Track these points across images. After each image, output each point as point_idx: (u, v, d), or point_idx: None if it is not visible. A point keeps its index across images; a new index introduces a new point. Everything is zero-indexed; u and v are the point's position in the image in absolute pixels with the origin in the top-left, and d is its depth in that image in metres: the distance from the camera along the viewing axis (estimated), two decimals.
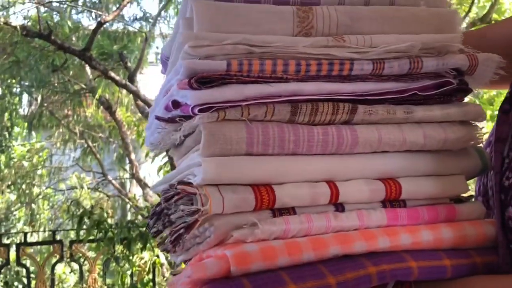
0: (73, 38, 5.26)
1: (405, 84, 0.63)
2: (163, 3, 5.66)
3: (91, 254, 3.52)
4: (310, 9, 0.61)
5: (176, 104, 0.57)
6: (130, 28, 5.50)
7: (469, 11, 4.25)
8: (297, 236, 0.58)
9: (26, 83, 5.40)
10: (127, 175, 6.26)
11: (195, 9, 0.57)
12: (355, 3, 0.64)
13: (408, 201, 0.64)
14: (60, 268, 4.60)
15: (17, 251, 2.96)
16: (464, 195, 0.69)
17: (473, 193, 0.72)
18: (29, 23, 4.66)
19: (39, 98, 5.86)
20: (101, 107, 5.39)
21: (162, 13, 5.95)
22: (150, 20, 5.78)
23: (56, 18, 5.14)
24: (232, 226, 0.56)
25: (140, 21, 6.00)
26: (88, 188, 6.01)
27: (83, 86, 5.41)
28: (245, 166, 0.57)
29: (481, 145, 0.69)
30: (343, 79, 0.61)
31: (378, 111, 0.62)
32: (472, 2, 4.22)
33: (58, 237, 3.52)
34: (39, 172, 6.18)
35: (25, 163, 6.07)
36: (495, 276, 0.62)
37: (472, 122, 0.67)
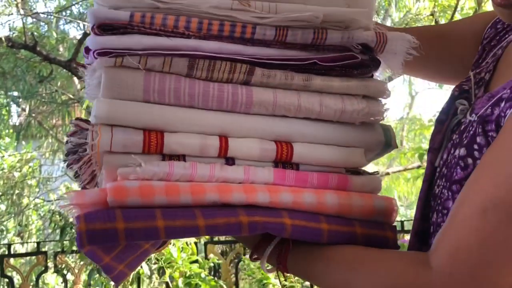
0: (61, 49, 5.20)
1: (308, 54, 0.65)
2: None
3: (79, 264, 3.43)
4: None
5: (87, 50, 0.62)
6: None
7: (451, 18, 4.12)
8: (181, 181, 0.61)
9: (14, 94, 5.36)
10: None
11: None
12: None
13: (301, 166, 0.66)
14: (52, 280, 4.52)
15: (1, 262, 2.89)
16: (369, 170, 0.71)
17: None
18: (15, 34, 4.58)
19: (27, 109, 5.78)
20: None
21: None
22: None
23: (44, 29, 5.11)
24: (121, 164, 0.60)
25: None
26: None
27: (71, 96, 5.33)
28: (138, 111, 0.60)
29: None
30: (245, 41, 0.63)
31: (276, 76, 0.64)
32: (455, 10, 4.07)
33: (45, 248, 3.54)
34: (29, 182, 6.07)
35: (16, 174, 5.92)
36: (369, 248, 0.63)
37: (375, 97, 0.68)
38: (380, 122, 0.70)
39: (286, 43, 0.64)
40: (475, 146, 0.62)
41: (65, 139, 0.65)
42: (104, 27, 0.59)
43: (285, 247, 0.64)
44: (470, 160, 0.62)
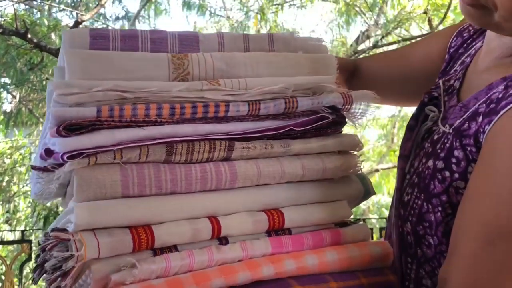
0: (53, 36, 4.86)
1: (282, 122, 0.56)
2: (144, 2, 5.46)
3: None
4: (186, 55, 0.55)
5: (49, 152, 0.51)
6: (110, 27, 5.27)
7: (444, 17, 4.25)
8: (180, 273, 0.50)
9: (5, 81, 5.01)
10: None
11: (66, 59, 0.51)
12: (234, 50, 0.60)
13: (293, 229, 0.58)
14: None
15: None
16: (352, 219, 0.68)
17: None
18: (6, 21, 4.28)
19: (18, 96, 5.41)
20: None
21: (142, 12, 5.73)
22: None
23: (36, 16, 4.86)
24: (111, 269, 0.48)
25: (122, 20, 5.66)
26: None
27: None
28: (120, 209, 0.49)
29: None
30: (220, 120, 0.54)
31: (256, 146, 0.56)
32: (448, 8, 4.23)
33: (32, 237, 3.30)
34: (19, 169, 5.72)
35: (7, 160, 5.59)
36: None
37: (350, 151, 0.66)
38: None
39: (260, 115, 0.60)
40: (453, 160, 0.59)
41: (37, 254, 0.55)
42: (70, 128, 0.52)
43: None
44: (447, 173, 0.59)
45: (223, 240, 0.55)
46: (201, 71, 0.56)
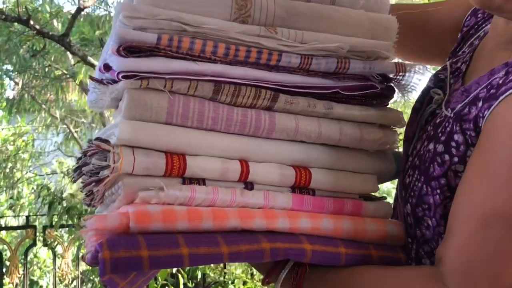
0: (55, 23, 4.92)
1: (330, 82, 0.62)
2: None
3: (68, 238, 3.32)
4: None
5: (107, 67, 0.57)
6: (112, 14, 5.17)
7: None
8: (202, 206, 0.58)
9: (7, 67, 5.13)
10: None
11: None
12: None
13: (317, 191, 0.64)
14: (44, 253, 4.45)
15: None
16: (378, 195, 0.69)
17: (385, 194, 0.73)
18: (8, 8, 4.30)
19: (20, 83, 5.53)
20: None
21: None
22: None
23: (38, 2, 4.78)
24: (141, 187, 0.56)
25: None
26: (63, 173, 5.55)
27: (64, 71, 5.10)
28: (161, 133, 0.57)
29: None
30: (270, 68, 0.60)
31: (299, 103, 0.61)
32: None
33: (36, 223, 3.41)
34: (22, 156, 5.88)
35: (10, 147, 5.72)
36: (383, 266, 0.62)
37: (391, 126, 0.66)
38: None
39: (310, 70, 0.61)
40: (453, 144, 0.61)
41: (79, 156, 0.60)
42: (129, 49, 0.55)
43: (301, 271, 0.62)
44: (447, 157, 0.62)
45: (249, 185, 0.59)
46: (262, 16, 0.58)
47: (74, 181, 0.60)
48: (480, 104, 0.59)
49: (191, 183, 0.58)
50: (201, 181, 0.59)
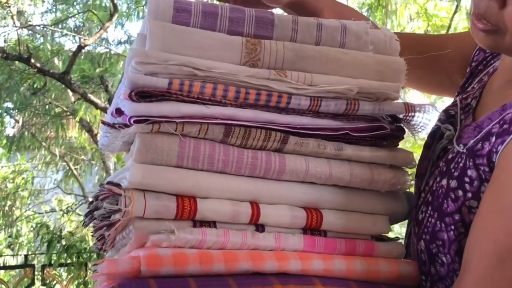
0: (56, 61, 5.03)
1: (340, 123, 0.63)
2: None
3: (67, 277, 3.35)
4: (259, 42, 0.61)
5: (119, 111, 0.58)
6: (113, 51, 5.19)
7: None
8: (213, 248, 0.58)
9: (8, 105, 5.20)
10: None
11: (149, 29, 0.58)
12: (306, 42, 0.64)
13: (329, 232, 0.63)
14: None
15: None
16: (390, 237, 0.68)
17: (399, 235, 0.72)
18: (9, 46, 4.45)
19: (21, 120, 5.64)
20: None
21: None
22: None
23: (39, 41, 4.96)
24: (152, 230, 0.56)
25: (124, 44, 5.63)
26: (62, 211, 5.54)
27: (65, 108, 5.18)
28: (172, 177, 0.57)
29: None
30: (280, 110, 0.61)
31: (309, 144, 0.62)
32: (448, 30, 4.15)
33: (35, 261, 3.38)
34: (21, 194, 5.90)
35: (9, 185, 5.78)
36: None
37: (402, 167, 0.66)
38: None
39: (319, 112, 0.62)
40: (466, 179, 0.61)
41: (91, 201, 0.60)
42: (141, 94, 0.56)
43: None
44: (460, 192, 0.62)
45: (260, 228, 0.59)
46: (271, 59, 0.60)
47: (86, 226, 0.60)
48: (493, 139, 0.60)
49: (201, 226, 0.59)
50: (212, 223, 0.59)
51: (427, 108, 0.65)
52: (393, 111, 0.64)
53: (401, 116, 0.65)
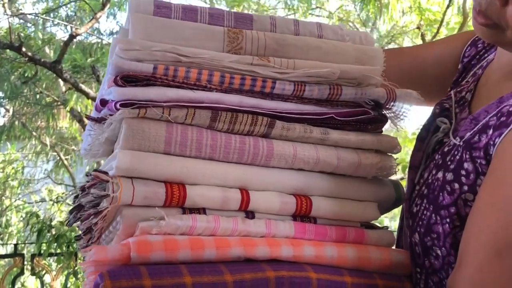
0: (47, 50, 4.97)
1: (324, 108, 0.64)
2: None
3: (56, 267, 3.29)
4: (240, 31, 0.62)
5: (104, 102, 0.58)
6: (105, 42, 5.11)
7: (437, 32, 4.19)
8: (203, 235, 0.57)
9: None
10: None
11: (131, 20, 0.59)
12: (285, 32, 0.66)
13: (318, 219, 0.63)
14: (31, 282, 4.32)
15: None
16: (380, 225, 0.68)
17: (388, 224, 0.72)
18: (0, 34, 4.37)
19: (11, 110, 5.50)
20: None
21: None
22: None
23: (31, 30, 4.86)
24: (141, 218, 0.56)
25: (116, 35, 5.63)
26: (53, 201, 5.44)
27: (56, 98, 5.07)
28: (160, 163, 0.57)
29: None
30: (265, 95, 0.62)
31: (296, 129, 0.62)
32: (441, 24, 4.16)
33: (24, 251, 3.33)
34: (11, 183, 5.83)
35: None
36: None
37: (387, 153, 0.67)
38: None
39: (303, 98, 0.63)
40: (462, 172, 0.61)
41: (76, 194, 0.59)
42: (127, 79, 0.56)
43: None
44: (456, 185, 0.62)
45: (250, 214, 0.60)
46: (253, 48, 0.61)
47: (70, 225, 0.59)
48: (490, 132, 0.60)
49: (191, 212, 0.58)
50: (202, 210, 0.58)
51: (408, 94, 0.65)
52: (375, 95, 0.65)
53: (383, 102, 0.66)
